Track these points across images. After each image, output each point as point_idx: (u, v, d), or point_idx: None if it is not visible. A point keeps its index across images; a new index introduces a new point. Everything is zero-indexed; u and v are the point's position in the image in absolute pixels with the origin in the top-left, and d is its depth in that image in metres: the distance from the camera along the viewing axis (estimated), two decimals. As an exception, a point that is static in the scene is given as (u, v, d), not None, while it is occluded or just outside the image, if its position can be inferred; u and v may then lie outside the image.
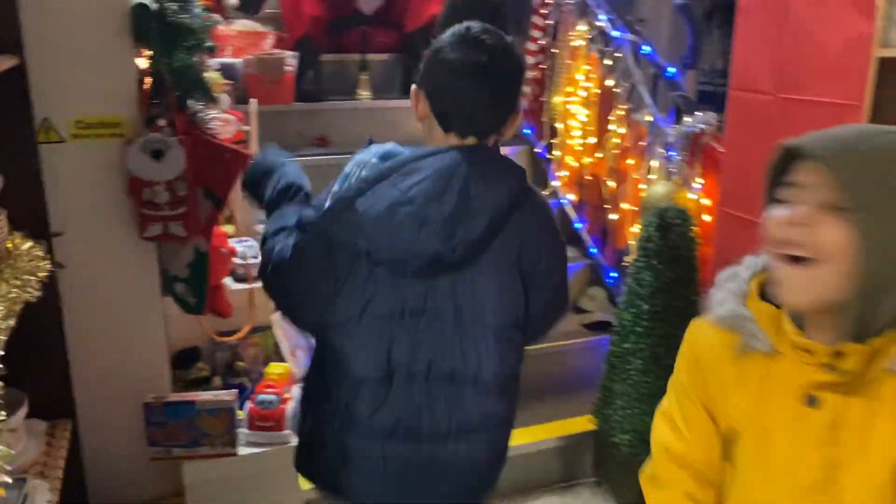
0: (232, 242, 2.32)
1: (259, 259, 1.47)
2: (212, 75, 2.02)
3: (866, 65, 1.69)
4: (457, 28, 1.30)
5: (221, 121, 2.44)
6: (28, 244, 1.43)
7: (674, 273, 2.20)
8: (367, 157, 1.31)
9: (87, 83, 1.79)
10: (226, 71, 3.11)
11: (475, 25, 1.30)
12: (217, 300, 2.16)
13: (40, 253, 1.43)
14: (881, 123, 1.02)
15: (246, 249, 2.35)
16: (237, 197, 2.41)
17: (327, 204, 1.27)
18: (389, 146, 1.33)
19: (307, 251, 1.28)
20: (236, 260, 2.26)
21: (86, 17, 1.73)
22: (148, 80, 1.88)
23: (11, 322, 1.20)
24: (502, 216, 1.28)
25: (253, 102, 2.52)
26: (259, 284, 1.64)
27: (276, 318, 2.42)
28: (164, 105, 1.87)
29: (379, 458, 1.32)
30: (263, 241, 1.39)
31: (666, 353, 2.22)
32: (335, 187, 1.31)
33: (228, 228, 2.42)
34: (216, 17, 3.25)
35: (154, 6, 1.81)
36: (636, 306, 2.25)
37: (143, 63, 1.89)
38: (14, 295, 1.22)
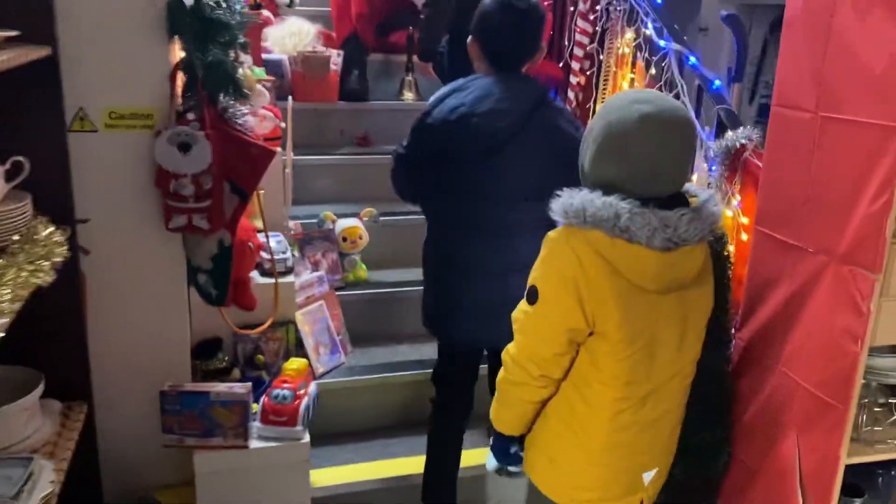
0: (261, 237, 2.34)
1: (287, 255, 2.36)
2: (246, 72, 2.04)
3: (913, 85, 1.61)
4: None
5: (259, 117, 2.48)
6: (48, 230, 1.47)
7: (706, 293, 2.12)
8: (443, 88, 2.02)
9: (121, 75, 1.83)
10: (272, 67, 3.17)
11: None
12: (242, 293, 2.19)
13: (58, 238, 1.47)
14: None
15: (275, 244, 2.38)
16: (268, 190, 2.45)
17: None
18: (456, 80, 2.01)
19: (405, 154, 2.05)
20: (263, 254, 2.28)
21: (123, 11, 1.78)
22: (181, 74, 1.92)
23: (17, 306, 1.22)
24: (528, 112, 1.93)
25: (289, 100, 2.54)
26: (284, 280, 2.21)
27: (301, 315, 2.45)
28: (196, 99, 1.90)
29: (474, 291, 1.98)
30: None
31: (696, 377, 2.15)
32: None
33: (258, 223, 2.44)
34: (264, 12, 3.32)
35: (190, 2, 1.84)
36: (662, 323, 2.18)
37: (177, 56, 1.92)
38: (22, 279, 1.25)
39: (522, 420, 1.59)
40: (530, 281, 1.50)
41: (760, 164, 2.21)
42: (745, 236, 2.32)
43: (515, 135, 1.90)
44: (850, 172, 1.80)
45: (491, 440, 1.69)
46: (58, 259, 1.41)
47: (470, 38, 2.03)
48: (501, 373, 1.58)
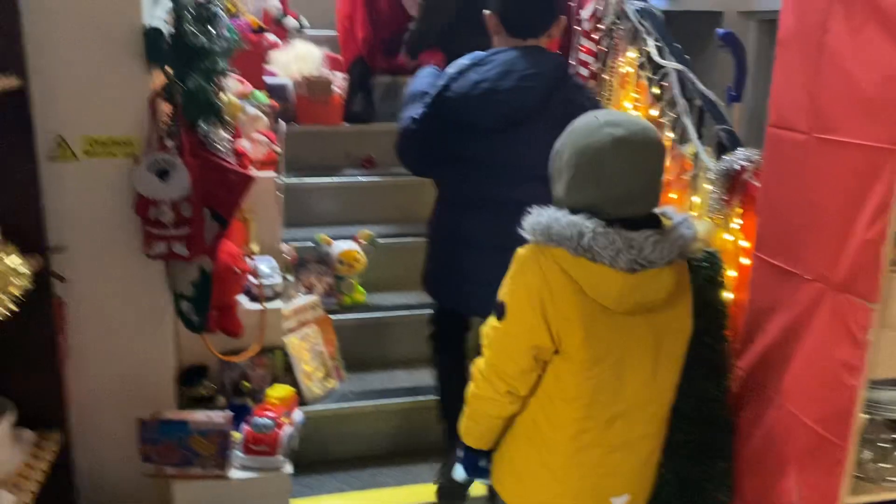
0: (252, 261, 2.32)
1: (277, 279, 2.33)
2: (230, 98, 2.03)
3: (906, 106, 1.53)
4: None
5: (253, 141, 2.48)
6: (11, 260, 1.46)
7: (700, 319, 2.04)
8: (460, 61, 2.05)
9: (100, 103, 1.83)
10: (276, 91, 3.17)
11: None
12: (228, 319, 2.16)
13: (20, 269, 1.46)
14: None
15: (265, 268, 2.35)
16: (262, 214, 2.44)
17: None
18: (474, 53, 2.05)
19: (416, 130, 2.04)
20: (252, 279, 2.26)
21: (99, 38, 1.78)
22: (162, 101, 1.91)
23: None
24: (551, 89, 1.99)
25: (281, 124, 2.53)
26: (272, 305, 2.26)
27: (293, 340, 2.42)
28: (176, 125, 1.89)
29: (474, 262, 2.00)
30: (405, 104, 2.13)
31: (687, 406, 2.07)
32: (439, 80, 2.04)
33: (254, 247, 2.43)
34: (270, 37, 3.33)
35: (170, 29, 1.84)
36: (657, 351, 2.11)
37: (158, 82, 1.92)
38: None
39: (490, 434, 1.58)
40: (499, 296, 1.49)
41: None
42: (745, 261, 2.24)
43: (542, 112, 1.94)
44: (844, 197, 1.72)
45: (460, 453, 1.68)
46: (16, 291, 1.39)
47: (488, 11, 2.09)
48: (470, 386, 1.58)
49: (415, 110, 2.05)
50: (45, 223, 1.67)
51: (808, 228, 1.84)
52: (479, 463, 1.64)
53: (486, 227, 2.00)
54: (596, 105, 2.03)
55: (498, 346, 1.49)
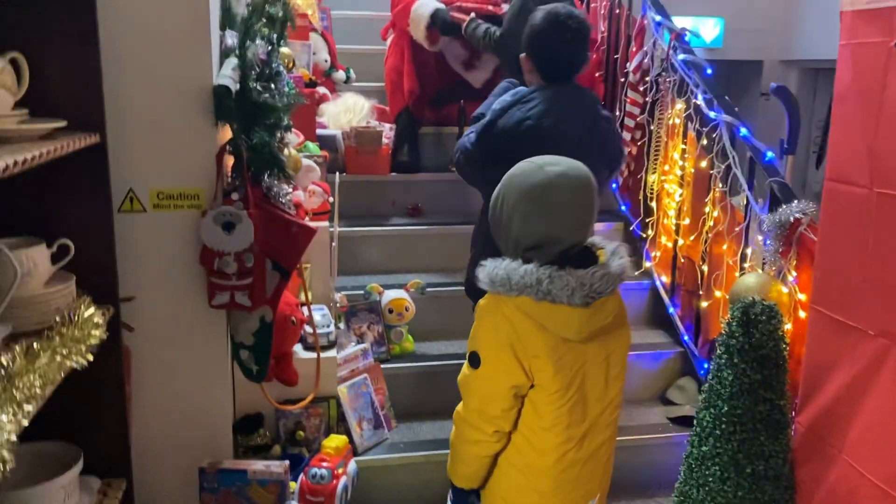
0: (307, 310, 2.35)
1: (331, 328, 2.40)
2: (291, 152, 2.09)
3: (973, 161, 1.52)
4: (547, 11, 2.18)
5: (308, 192, 2.54)
6: (88, 311, 1.51)
7: (758, 374, 2.02)
8: (504, 97, 2.20)
9: (170, 157, 1.90)
10: (326, 142, 3.25)
11: (560, 9, 2.18)
12: (284, 368, 2.19)
13: (98, 320, 1.50)
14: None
15: (319, 318, 2.39)
16: (316, 263, 2.48)
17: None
18: (517, 89, 2.23)
19: (473, 151, 2.21)
20: (307, 328, 2.29)
21: (171, 97, 1.85)
22: (228, 155, 1.97)
23: (48, 391, 1.25)
24: (589, 121, 2.18)
25: (336, 176, 2.59)
26: (325, 354, 2.30)
27: (344, 389, 2.44)
28: (241, 178, 1.95)
29: None
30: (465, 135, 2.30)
31: (747, 461, 2.03)
32: (487, 116, 2.19)
33: (308, 296, 2.46)
34: (321, 89, 3.42)
35: (236, 87, 1.91)
36: (716, 407, 2.08)
37: (225, 137, 1.99)
38: (56, 363, 1.28)
39: (478, 474, 1.71)
40: (469, 347, 1.63)
41: (816, 239, 2.12)
42: (802, 314, 2.22)
43: (578, 145, 2.04)
44: (910, 252, 1.71)
45: (450, 495, 1.82)
46: (94, 342, 1.43)
47: (523, 54, 2.25)
48: (454, 433, 1.73)
49: (471, 133, 2.25)
50: (117, 274, 1.72)
51: (870, 283, 1.82)
52: (469, 500, 1.77)
53: None
54: (617, 132, 2.33)
55: (479, 391, 1.63)
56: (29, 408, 1.16)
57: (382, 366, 2.67)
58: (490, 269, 1.56)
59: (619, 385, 1.72)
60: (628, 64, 3.21)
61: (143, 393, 1.96)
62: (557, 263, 1.53)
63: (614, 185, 3.52)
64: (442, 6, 3.35)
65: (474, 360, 1.62)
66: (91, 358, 1.43)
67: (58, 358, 1.31)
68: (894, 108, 1.72)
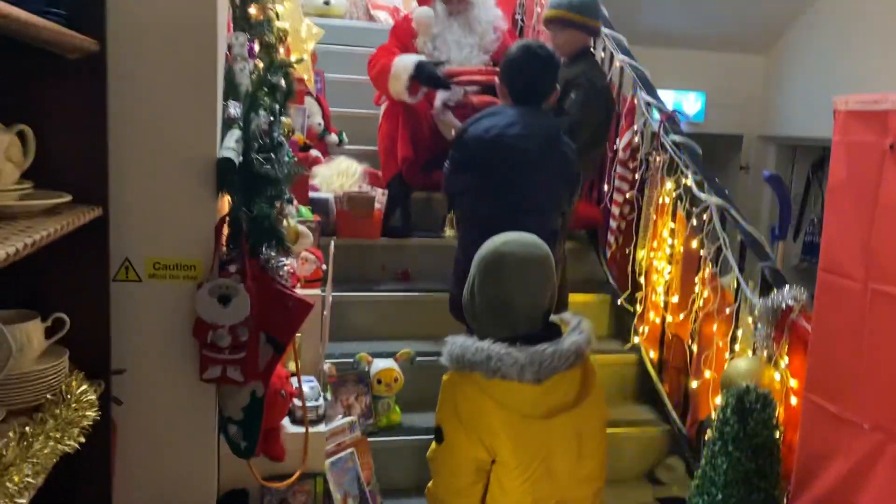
0: (296, 381, 2.31)
1: (319, 402, 2.33)
2: (290, 223, 2.08)
3: (968, 264, 1.55)
4: (520, 45, 2.57)
5: (301, 259, 2.52)
6: (81, 387, 1.47)
7: (752, 463, 2.01)
8: (478, 114, 2.59)
9: (168, 227, 1.87)
10: (318, 206, 3.25)
11: (532, 43, 2.57)
12: (272, 443, 2.14)
13: (90, 397, 1.46)
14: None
15: (308, 390, 2.34)
16: (307, 333, 2.45)
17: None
18: (489, 108, 2.65)
19: (447, 166, 2.60)
20: (296, 401, 2.25)
21: (175, 169, 1.84)
22: (227, 226, 1.96)
23: (40, 479, 1.20)
24: (549, 141, 2.48)
25: (331, 245, 2.58)
26: (315, 429, 2.24)
27: (329, 464, 2.38)
28: (239, 250, 1.93)
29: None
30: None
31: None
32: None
33: (299, 366, 2.42)
34: (313, 152, 3.44)
35: (239, 159, 1.91)
36: (710, 494, 2.07)
37: (224, 209, 1.98)
38: (49, 449, 1.24)
39: None
40: (435, 422, 1.71)
41: (808, 327, 2.14)
42: (794, 400, 2.22)
43: (539, 158, 2.44)
44: (906, 349, 1.72)
45: None
46: (87, 423, 1.39)
47: (497, 80, 2.65)
48: None
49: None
50: (110, 349, 1.69)
51: (865, 377, 1.83)
52: None
53: None
54: (576, 159, 2.56)
55: (444, 466, 1.70)
56: (22, 501, 1.11)
57: (369, 438, 2.62)
58: (449, 347, 1.67)
59: (595, 461, 1.74)
60: (618, 140, 3.27)
61: (127, 466, 1.90)
62: (511, 340, 1.61)
63: (602, 256, 3.55)
64: (425, 58, 3.40)
65: (438, 436, 1.70)
66: (83, 440, 1.39)
67: (51, 443, 1.26)
68: (889, 206, 1.76)
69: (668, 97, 5.68)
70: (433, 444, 1.72)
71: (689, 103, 5.77)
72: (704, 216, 2.66)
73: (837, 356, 1.92)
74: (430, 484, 1.77)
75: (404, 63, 3.35)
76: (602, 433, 1.77)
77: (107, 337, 1.68)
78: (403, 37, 3.58)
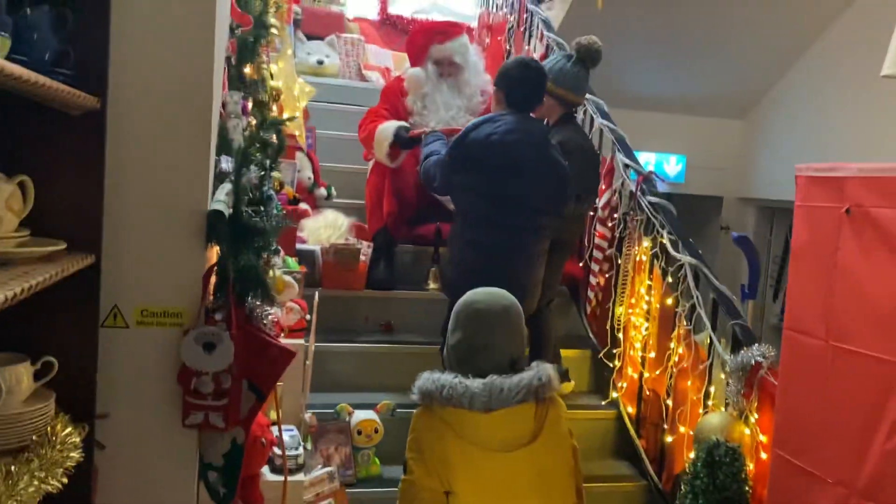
0: (277, 430, 2.35)
1: (300, 450, 2.41)
2: (276, 274, 2.14)
3: (919, 325, 1.64)
4: (517, 59, 2.99)
5: (286, 309, 2.58)
6: (66, 430, 1.51)
7: (722, 516, 2.06)
8: (475, 120, 2.87)
9: (158, 275, 1.93)
10: (304, 257, 3.32)
11: (526, 58, 3.03)
12: (251, 491, 2.16)
13: (75, 440, 1.50)
14: None
15: (288, 439, 2.38)
16: (289, 382, 2.49)
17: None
18: (487, 115, 2.90)
19: (445, 160, 2.81)
20: (276, 450, 2.28)
21: (166, 220, 1.90)
22: (214, 275, 2.02)
23: (23, 518, 1.24)
24: (542, 146, 2.79)
25: (315, 295, 2.64)
26: (293, 477, 2.29)
27: (309, 513, 2.40)
28: (225, 299, 1.99)
29: (489, 269, 2.57)
30: (424, 158, 2.98)
31: None
32: (462, 130, 2.86)
33: (279, 415, 2.45)
34: (302, 205, 3.53)
35: (229, 211, 1.99)
36: (682, 546, 2.10)
37: (213, 258, 2.04)
38: (34, 489, 1.27)
39: None
40: (406, 454, 1.87)
41: (776, 382, 2.21)
42: (764, 455, 2.28)
43: (533, 161, 2.74)
44: (864, 405, 1.80)
45: None
46: (71, 464, 1.43)
47: (494, 88, 2.92)
48: None
49: (440, 151, 2.88)
50: (96, 392, 1.73)
51: (828, 433, 1.89)
52: None
53: (500, 243, 2.72)
54: (565, 163, 2.84)
55: (405, 495, 1.83)
56: (5, 539, 1.15)
57: (348, 490, 2.64)
58: (418, 381, 1.84)
59: (568, 500, 1.85)
60: (598, 200, 3.38)
61: (105, 511, 1.92)
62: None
63: (583, 313, 3.63)
64: (403, 124, 3.55)
65: (405, 467, 1.86)
66: (66, 481, 1.42)
67: (35, 482, 1.30)
68: (846, 269, 1.85)
69: (650, 159, 5.86)
70: (403, 476, 1.87)
71: (671, 166, 5.94)
72: (679, 274, 2.75)
73: (802, 411, 1.99)
74: None
75: (385, 131, 3.50)
76: (568, 476, 1.86)
77: (93, 381, 1.72)
78: (393, 97, 3.72)
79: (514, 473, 1.77)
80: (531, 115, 2.89)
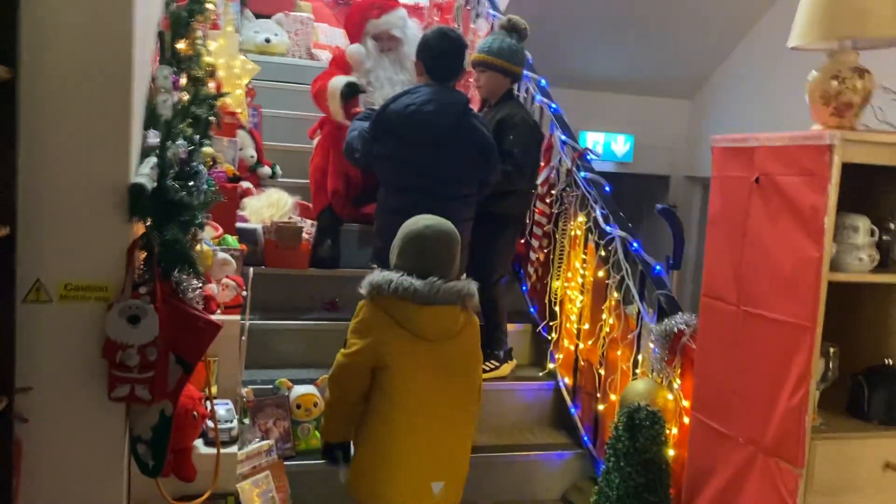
0: (210, 404, 2.36)
1: (234, 423, 2.42)
2: (203, 248, 2.15)
3: (817, 287, 1.71)
4: (436, 29, 3.02)
5: (221, 285, 2.58)
6: (-21, 402, 1.51)
7: (642, 478, 2.13)
8: (395, 92, 3.02)
9: (81, 249, 1.92)
10: (246, 236, 3.31)
11: (445, 28, 3.10)
12: (183, 463, 2.18)
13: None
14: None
15: (223, 412, 2.39)
16: (224, 357, 2.51)
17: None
18: (407, 88, 2.96)
19: (365, 134, 2.89)
20: (209, 423, 2.29)
21: (87, 193, 1.90)
22: (139, 249, 2.02)
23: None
24: (460, 115, 2.83)
25: (250, 270, 2.65)
26: (226, 450, 2.27)
27: (247, 485, 2.42)
28: (151, 273, 1.99)
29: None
30: (350, 132, 3.05)
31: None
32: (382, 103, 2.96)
33: (213, 389, 2.47)
34: (244, 184, 3.52)
35: (153, 185, 1.98)
36: (605, 508, 2.17)
37: (138, 232, 2.04)
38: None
39: (344, 427, 2.21)
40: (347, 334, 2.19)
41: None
42: (687, 419, 2.35)
43: (452, 130, 2.80)
44: (770, 365, 1.87)
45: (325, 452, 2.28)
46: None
47: (415, 59, 2.95)
48: (326, 395, 2.24)
49: (362, 125, 2.94)
50: (15, 365, 1.72)
51: (739, 393, 1.97)
52: (335, 453, 2.24)
53: (419, 207, 2.62)
54: (488, 130, 2.95)
55: (344, 364, 2.14)
56: None
57: (287, 462, 2.67)
58: (368, 277, 2.16)
59: (464, 386, 2.18)
60: (538, 176, 3.42)
61: (33, 486, 1.91)
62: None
63: (524, 288, 3.68)
64: (353, 78, 3.61)
65: (345, 343, 2.18)
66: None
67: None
68: (755, 236, 1.92)
69: (599, 138, 5.93)
70: (341, 349, 2.18)
71: (619, 145, 6.02)
72: (610, 248, 2.81)
73: (717, 375, 2.07)
74: (328, 380, 2.22)
75: (337, 83, 3.52)
76: (477, 364, 2.26)
77: (12, 354, 1.71)
78: (345, 66, 3.72)
79: (441, 357, 2.12)
80: (451, 85, 2.93)
